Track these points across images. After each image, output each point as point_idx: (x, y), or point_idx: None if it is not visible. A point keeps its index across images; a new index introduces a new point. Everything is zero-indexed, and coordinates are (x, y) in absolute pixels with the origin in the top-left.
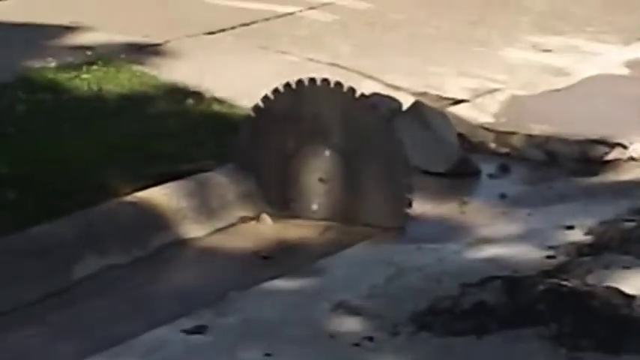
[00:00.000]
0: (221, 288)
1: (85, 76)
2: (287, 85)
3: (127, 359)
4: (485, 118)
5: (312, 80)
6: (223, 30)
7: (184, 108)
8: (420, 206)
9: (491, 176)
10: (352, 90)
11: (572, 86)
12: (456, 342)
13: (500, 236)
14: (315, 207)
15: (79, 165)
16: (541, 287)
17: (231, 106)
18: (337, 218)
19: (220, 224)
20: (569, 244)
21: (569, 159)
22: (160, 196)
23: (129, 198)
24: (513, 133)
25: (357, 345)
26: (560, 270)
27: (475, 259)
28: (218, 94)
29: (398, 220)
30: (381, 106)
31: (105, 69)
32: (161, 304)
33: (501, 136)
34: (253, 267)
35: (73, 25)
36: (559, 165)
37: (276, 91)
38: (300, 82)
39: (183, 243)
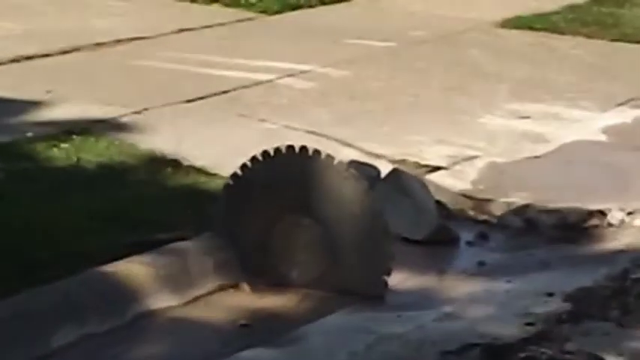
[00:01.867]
0: (200, 357)
1: (63, 145)
2: (265, 153)
3: None
4: (463, 186)
5: (291, 148)
6: (201, 98)
7: (162, 177)
8: (399, 274)
9: (469, 244)
10: (331, 158)
11: (551, 153)
12: None
13: (480, 304)
14: (294, 275)
15: (58, 233)
16: (520, 355)
17: (210, 174)
18: (316, 286)
19: (199, 292)
20: (548, 312)
21: (548, 226)
22: (138, 264)
23: (107, 267)
24: (492, 201)
25: None
26: (540, 337)
27: (454, 326)
28: (196, 163)
29: (377, 289)
30: (359, 174)
31: (83, 138)
32: None
33: (480, 203)
34: (232, 336)
35: (49, 95)
36: (538, 232)
37: (254, 159)
38: (278, 150)
39: (161, 312)
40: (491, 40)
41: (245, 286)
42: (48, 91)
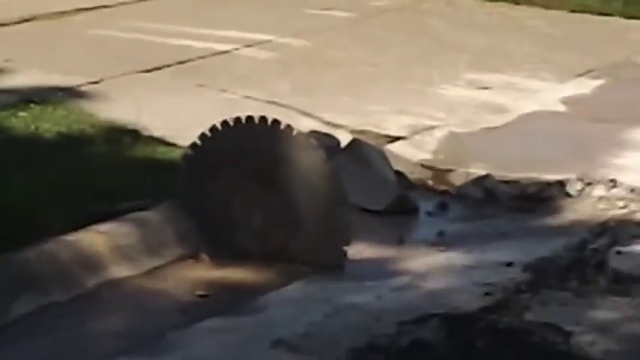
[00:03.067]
0: (159, 327)
1: (21, 114)
2: (225, 123)
3: None
4: (423, 156)
5: (250, 118)
6: (160, 68)
7: (121, 146)
8: (358, 244)
9: (429, 214)
10: (290, 128)
11: (510, 123)
12: None
13: (438, 274)
14: (253, 245)
15: (16, 204)
16: (479, 324)
17: (169, 144)
18: (276, 256)
19: (158, 263)
20: (506, 281)
21: (507, 196)
22: (98, 234)
23: (67, 237)
24: (451, 171)
25: None
26: (498, 307)
27: (413, 296)
28: (155, 133)
29: (336, 259)
30: (319, 144)
31: (42, 107)
32: (100, 343)
33: (439, 173)
34: (191, 306)
35: (7, 63)
36: (497, 203)
37: (213, 129)
38: (237, 120)
39: (120, 282)
40: (451, 11)
41: (204, 257)
42: (7, 60)
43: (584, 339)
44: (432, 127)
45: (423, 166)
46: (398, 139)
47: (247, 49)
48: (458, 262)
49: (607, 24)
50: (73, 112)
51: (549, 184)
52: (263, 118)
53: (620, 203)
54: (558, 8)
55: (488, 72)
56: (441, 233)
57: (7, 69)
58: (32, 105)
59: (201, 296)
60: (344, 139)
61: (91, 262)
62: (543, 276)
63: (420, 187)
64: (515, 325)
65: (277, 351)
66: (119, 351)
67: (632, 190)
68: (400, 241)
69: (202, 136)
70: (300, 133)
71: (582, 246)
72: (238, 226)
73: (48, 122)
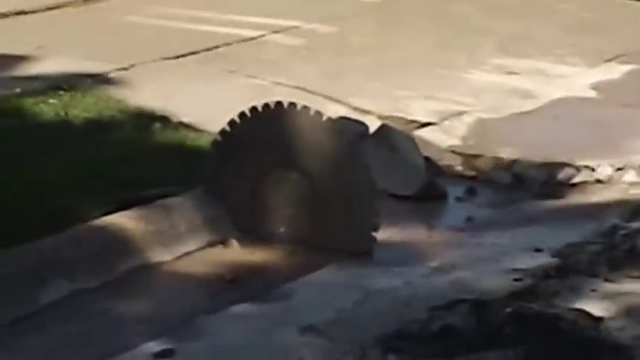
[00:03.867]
0: (188, 312)
1: (51, 101)
2: (253, 109)
3: None
4: (451, 141)
5: (279, 104)
6: (189, 54)
7: (151, 132)
8: (387, 230)
9: (458, 199)
10: (319, 114)
11: (539, 109)
12: None
13: (468, 259)
14: (282, 231)
15: (47, 190)
16: (508, 310)
17: (198, 130)
18: (304, 242)
19: (187, 248)
20: (536, 267)
21: (536, 182)
22: (128, 220)
23: (97, 223)
24: (480, 156)
25: None
26: (528, 293)
27: (442, 282)
28: (184, 119)
29: (364, 244)
30: (347, 130)
31: (71, 94)
32: (129, 328)
33: (468, 159)
34: (220, 291)
35: (37, 51)
36: (526, 188)
37: (242, 115)
38: (266, 106)
39: (150, 267)
40: None
41: (233, 242)
42: (38, 47)
43: (613, 324)
44: (460, 113)
45: (452, 151)
46: (426, 124)
47: (275, 35)
48: (487, 248)
49: (637, 9)
50: (102, 98)
51: (579, 170)
52: (292, 104)
53: None
54: None
55: (516, 57)
56: (469, 219)
57: (36, 56)
58: (62, 92)
59: (230, 282)
60: (372, 124)
61: (120, 248)
62: (573, 261)
63: (448, 172)
64: (544, 311)
65: (306, 337)
66: (148, 336)
67: None
68: (429, 227)
69: (231, 123)
70: (328, 119)
71: (612, 231)
72: (267, 211)
73: (77, 109)
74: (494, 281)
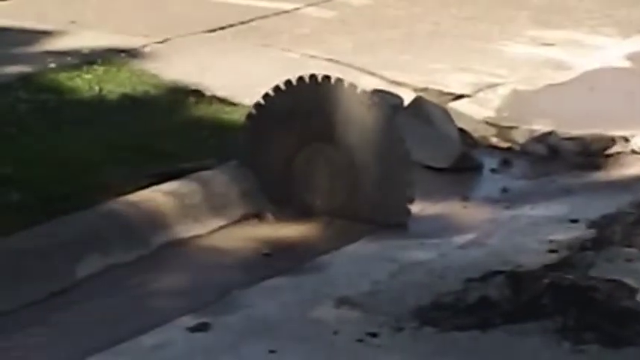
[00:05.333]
0: (224, 286)
1: (85, 75)
2: (288, 82)
3: (131, 358)
4: (486, 113)
5: (313, 77)
6: (223, 28)
7: (185, 106)
8: (422, 202)
9: (493, 171)
10: (353, 86)
11: (574, 80)
12: (460, 337)
13: (503, 231)
14: (317, 204)
15: (81, 165)
16: (544, 281)
17: (232, 104)
18: (339, 215)
19: (222, 222)
20: (571, 238)
21: (571, 153)
22: (162, 194)
23: (131, 197)
24: (515, 128)
25: (360, 341)
26: (563, 264)
27: (478, 254)
28: (219, 93)
29: (400, 217)
30: (382, 103)
31: (105, 68)
32: (164, 302)
33: (503, 130)
34: (256, 264)
35: (71, 25)
36: (561, 159)
37: (277, 88)
38: (300, 79)
39: (185, 241)
40: None
41: (268, 216)
42: (72, 22)
43: None
44: (494, 85)
45: (486, 123)
46: (461, 96)
47: (309, 9)
48: (522, 219)
49: None
50: (137, 73)
51: (614, 140)
52: (326, 77)
53: None
54: None
55: (549, 28)
56: (505, 190)
57: (71, 31)
58: (96, 66)
59: (265, 255)
60: (407, 97)
61: (155, 222)
62: (608, 232)
63: (483, 144)
64: (580, 282)
65: (341, 309)
66: (183, 310)
67: None
68: (464, 199)
69: (266, 96)
70: (363, 92)
71: None
72: (302, 184)
73: (112, 83)
74: (529, 253)
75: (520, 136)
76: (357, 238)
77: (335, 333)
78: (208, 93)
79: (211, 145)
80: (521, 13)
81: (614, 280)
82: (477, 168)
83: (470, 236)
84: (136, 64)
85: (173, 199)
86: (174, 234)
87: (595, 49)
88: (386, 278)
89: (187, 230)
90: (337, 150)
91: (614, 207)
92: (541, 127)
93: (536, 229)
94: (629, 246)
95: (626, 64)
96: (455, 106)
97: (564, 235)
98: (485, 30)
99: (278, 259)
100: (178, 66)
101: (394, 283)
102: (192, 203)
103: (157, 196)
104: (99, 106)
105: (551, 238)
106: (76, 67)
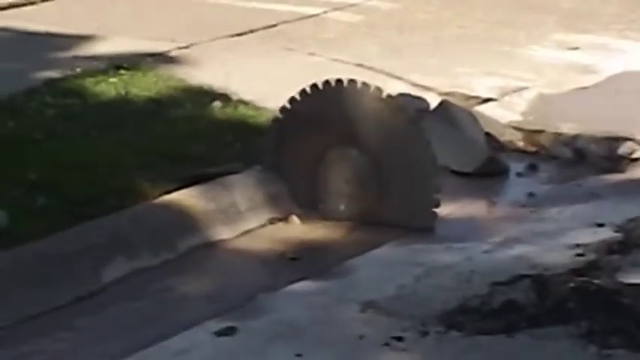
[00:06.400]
0: (250, 289)
1: (111, 80)
2: (314, 86)
3: None
4: (512, 117)
5: (339, 81)
6: (248, 32)
7: (211, 110)
8: (448, 206)
9: (519, 175)
10: (379, 90)
11: (600, 84)
12: (486, 341)
13: (529, 235)
14: (342, 208)
15: (108, 169)
16: (570, 285)
17: (258, 108)
18: (365, 219)
19: (249, 226)
20: (598, 242)
21: (597, 157)
22: (189, 198)
23: (158, 201)
24: (541, 132)
25: (386, 345)
26: (590, 268)
27: (504, 258)
28: (245, 97)
29: (426, 220)
30: (408, 106)
31: (131, 73)
32: (191, 306)
33: (529, 134)
34: (282, 268)
35: (98, 30)
36: (587, 163)
37: (302, 92)
38: (326, 83)
39: (211, 245)
40: None
41: (295, 219)
42: (97, 27)
43: None
44: (521, 89)
45: (512, 127)
46: (487, 100)
47: (335, 13)
48: (549, 223)
49: None
50: (163, 77)
51: None
52: (352, 81)
53: None
54: None
55: (575, 32)
56: (531, 194)
57: (97, 36)
58: (122, 71)
59: (291, 259)
60: (433, 101)
61: (181, 226)
62: (635, 236)
63: (509, 148)
64: (606, 286)
65: (367, 313)
66: (210, 314)
67: None
68: (490, 203)
69: (292, 100)
70: (389, 96)
71: None
72: (328, 188)
73: (138, 87)
74: (556, 257)
75: (546, 140)
76: (384, 242)
77: (360, 337)
78: (234, 97)
79: (237, 148)
80: (548, 18)
81: None
82: (504, 172)
83: (496, 240)
84: (162, 69)
85: (199, 203)
86: (200, 238)
87: (621, 53)
88: (412, 282)
89: (214, 234)
90: (363, 154)
91: None
92: (567, 130)
93: (562, 232)
94: None
95: None
96: (481, 109)
97: (591, 238)
98: (512, 34)
99: (304, 263)
100: (204, 70)
101: (420, 287)
102: (219, 207)
103: (184, 199)
104: (125, 110)
105: (578, 242)
106: (103, 71)
